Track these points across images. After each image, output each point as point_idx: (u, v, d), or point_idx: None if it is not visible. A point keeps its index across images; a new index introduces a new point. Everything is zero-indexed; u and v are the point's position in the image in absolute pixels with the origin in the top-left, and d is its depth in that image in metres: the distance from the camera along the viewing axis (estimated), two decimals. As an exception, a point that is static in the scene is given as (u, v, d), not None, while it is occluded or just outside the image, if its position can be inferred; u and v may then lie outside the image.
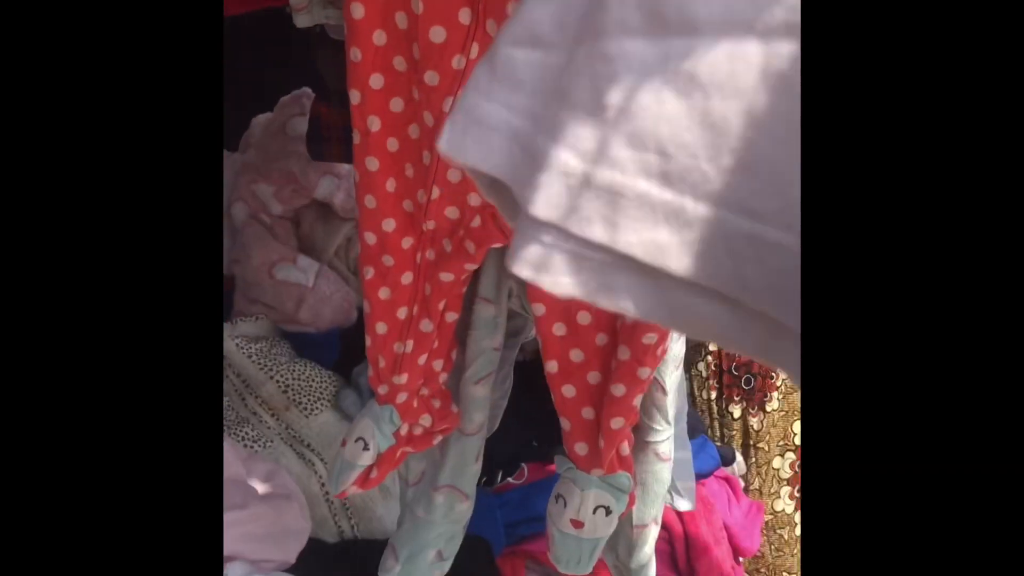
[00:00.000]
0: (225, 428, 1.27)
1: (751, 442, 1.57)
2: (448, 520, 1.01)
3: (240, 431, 1.29)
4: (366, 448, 0.92)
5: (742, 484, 1.55)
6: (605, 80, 0.42)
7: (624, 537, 0.97)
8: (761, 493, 1.60)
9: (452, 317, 0.90)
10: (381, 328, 0.89)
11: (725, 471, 1.50)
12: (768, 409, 1.56)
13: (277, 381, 1.31)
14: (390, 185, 0.84)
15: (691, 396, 1.55)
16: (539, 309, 0.84)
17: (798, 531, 1.62)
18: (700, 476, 1.41)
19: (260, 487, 1.16)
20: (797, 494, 1.61)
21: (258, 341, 1.35)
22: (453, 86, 0.78)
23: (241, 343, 1.32)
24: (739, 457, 1.56)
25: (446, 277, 0.87)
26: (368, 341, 0.91)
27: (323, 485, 1.26)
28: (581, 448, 0.88)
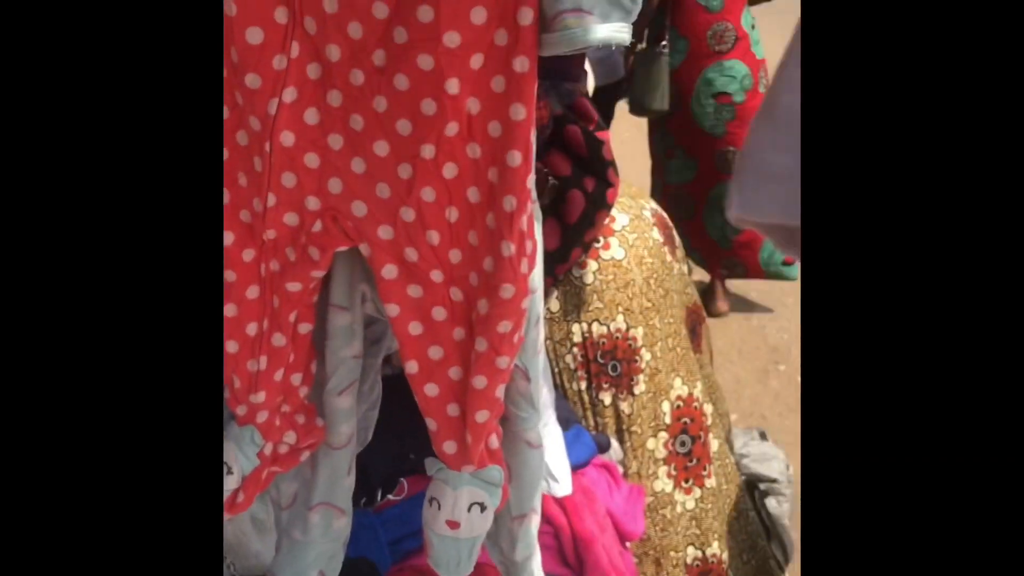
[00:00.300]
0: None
1: (624, 427, 1.59)
2: (327, 539, 0.98)
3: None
4: (230, 472, 0.89)
5: (621, 469, 1.56)
6: None
7: (505, 531, 0.96)
8: (640, 476, 1.62)
9: (306, 328, 0.88)
10: (232, 347, 0.86)
11: (602, 458, 1.51)
12: (636, 392, 1.59)
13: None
14: (226, 196, 0.81)
15: (562, 388, 1.56)
16: (393, 310, 0.83)
17: (679, 509, 1.65)
18: (578, 466, 1.42)
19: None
20: (674, 472, 1.64)
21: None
22: (276, 87, 0.76)
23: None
24: (614, 443, 1.58)
25: (293, 287, 0.84)
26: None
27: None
28: (450, 447, 0.87)
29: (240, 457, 0.88)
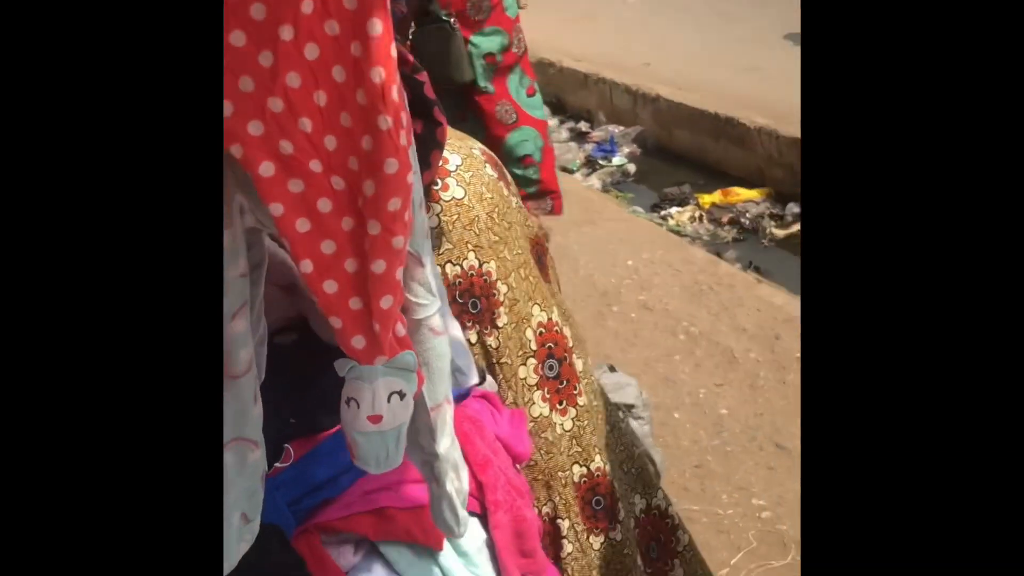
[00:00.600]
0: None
1: (494, 360, 1.62)
2: (243, 476, 0.94)
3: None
4: None
5: (500, 398, 1.59)
6: None
7: (423, 424, 0.96)
8: (516, 404, 1.65)
9: (187, 255, 0.84)
10: None
11: (480, 389, 1.53)
12: (499, 325, 1.62)
13: None
14: None
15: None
16: (277, 209, 0.80)
17: (559, 430, 1.69)
18: (460, 397, 1.44)
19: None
20: (548, 396, 1.69)
21: None
22: None
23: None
24: (488, 377, 1.60)
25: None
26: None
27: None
28: (358, 341, 0.86)
29: None
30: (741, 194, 4.76)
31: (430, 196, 1.46)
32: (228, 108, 0.78)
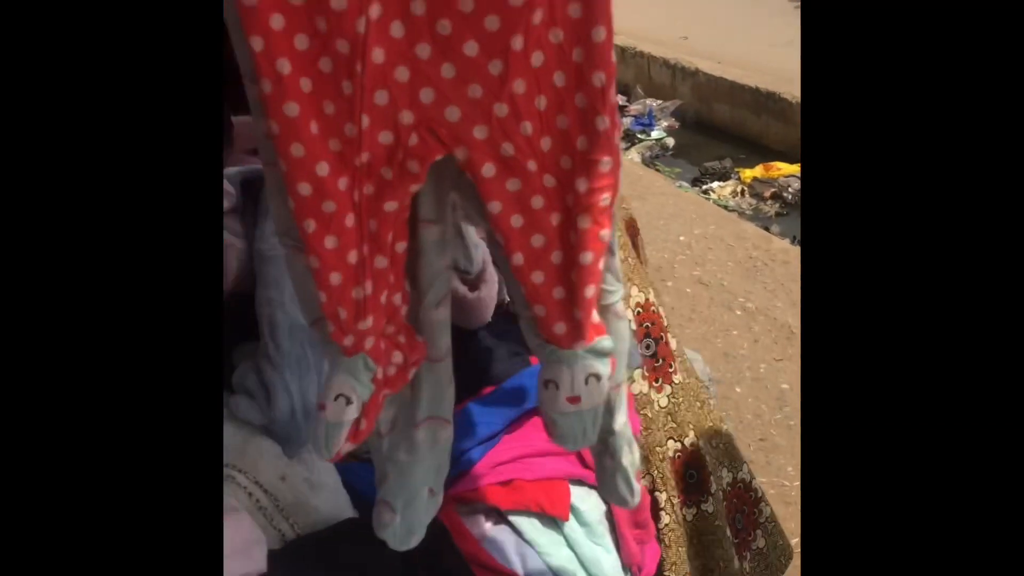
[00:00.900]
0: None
1: (601, 338, 1.68)
2: (433, 453, 1.01)
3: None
4: (349, 403, 0.89)
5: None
6: None
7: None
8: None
9: (402, 247, 0.90)
10: (336, 279, 0.87)
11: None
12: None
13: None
14: (313, 127, 0.82)
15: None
16: (495, 207, 0.86)
17: (656, 407, 1.74)
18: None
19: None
20: (646, 374, 1.74)
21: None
22: (362, 5, 0.78)
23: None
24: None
25: (391, 207, 0.86)
26: (323, 298, 0.87)
27: (251, 495, 1.19)
28: (560, 328, 0.91)
29: (356, 386, 0.89)
30: (783, 168, 4.78)
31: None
32: (455, 113, 0.83)
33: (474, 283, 1.39)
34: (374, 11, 0.78)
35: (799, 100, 4.83)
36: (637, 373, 1.77)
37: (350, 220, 0.85)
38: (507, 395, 1.44)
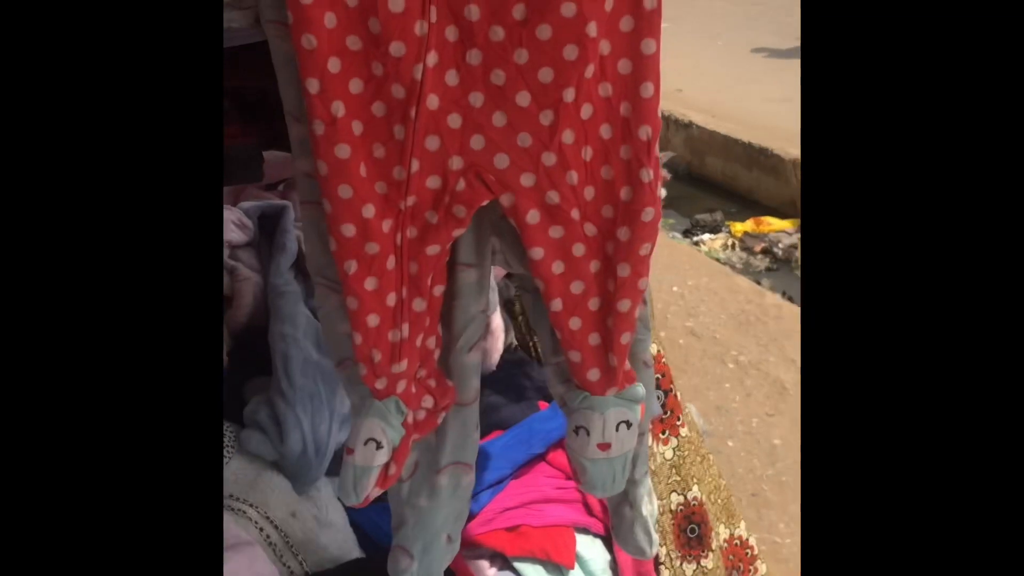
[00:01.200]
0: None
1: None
2: (455, 499, 1.00)
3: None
4: (379, 447, 0.89)
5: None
6: None
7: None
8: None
9: (440, 291, 0.90)
10: (373, 320, 0.87)
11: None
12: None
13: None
14: (362, 170, 0.83)
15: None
16: (537, 253, 0.87)
17: (659, 460, 1.74)
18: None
19: (220, 540, 1.07)
20: (652, 426, 1.74)
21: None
22: (420, 52, 0.79)
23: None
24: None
25: (433, 250, 0.87)
26: (358, 339, 0.87)
27: (261, 530, 1.18)
28: (593, 374, 0.92)
29: (388, 429, 0.89)
30: (773, 224, 4.83)
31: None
32: (504, 160, 0.84)
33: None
34: (431, 59, 0.80)
35: (791, 157, 4.91)
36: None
37: (391, 262, 0.86)
38: (515, 439, 1.44)
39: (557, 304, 0.89)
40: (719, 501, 1.89)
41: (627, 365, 0.94)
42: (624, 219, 0.87)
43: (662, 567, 1.67)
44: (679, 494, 1.71)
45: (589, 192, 0.86)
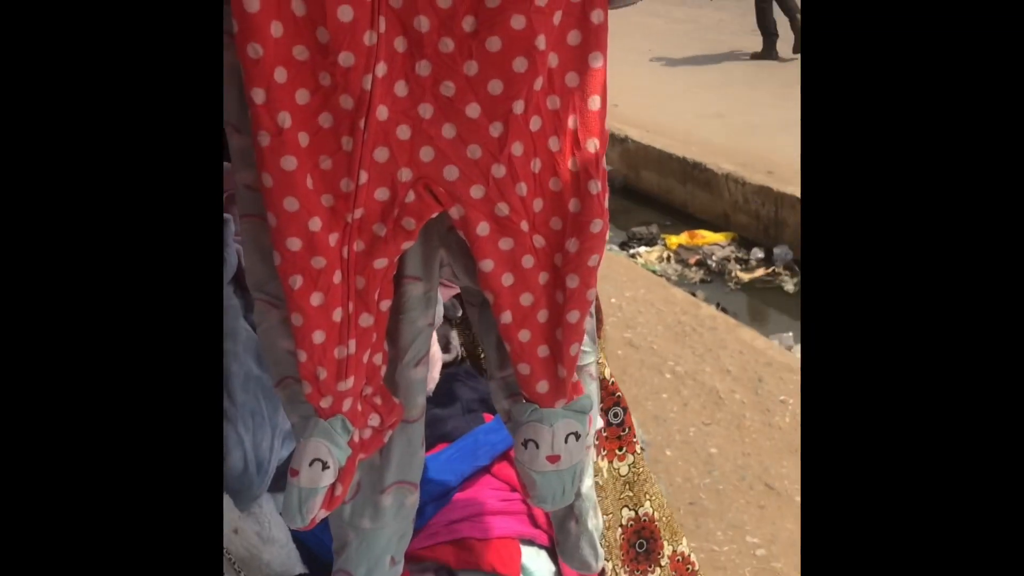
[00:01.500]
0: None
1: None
2: (398, 519, 0.99)
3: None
4: (325, 468, 0.87)
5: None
6: None
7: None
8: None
9: (386, 305, 0.89)
10: (319, 337, 0.85)
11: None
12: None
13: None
14: (309, 182, 0.81)
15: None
16: (487, 265, 0.87)
17: (609, 475, 1.73)
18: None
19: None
20: (609, 442, 1.74)
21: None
22: (369, 63, 0.79)
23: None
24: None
25: (380, 264, 0.86)
26: (303, 356, 0.85)
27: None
28: (542, 387, 0.92)
29: (334, 449, 0.87)
30: (707, 237, 4.92)
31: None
32: (453, 172, 0.84)
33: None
34: (380, 69, 0.79)
35: (724, 171, 5.00)
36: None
37: (337, 277, 0.85)
38: (460, 452, 1.43)
39: (507, 316, 0.89)
40: (663, 518, 1.91)
41: (575, 377, 0.94)
42: (573, 231, 0.87)
43: (607, 582, 1.67)
44: (630, 509, 1.71)
45: (538, 204, 0.86)
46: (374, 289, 0.86)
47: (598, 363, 1.04)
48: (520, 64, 0.80)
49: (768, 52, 7.26)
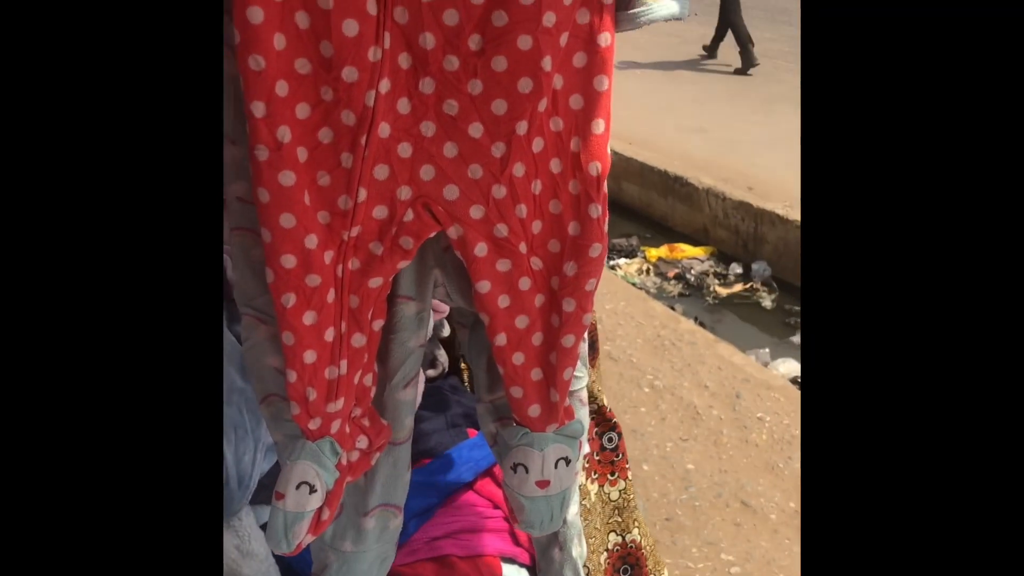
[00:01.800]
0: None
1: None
2: (381, 542, 0.97)
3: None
4: (313, 491, 0.85)
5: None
6: None
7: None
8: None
9: (379, 325, 0.87)
10: (310, 357, 0.83)
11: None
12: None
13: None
14: (306, 198, 0.80)
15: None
16: (484, 287, 0.85)
17: (596, 498, 1.72)
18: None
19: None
20: (601, 467, 1.73)
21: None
22: (373, 79, 0.77)
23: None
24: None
25: (375, 283, 0.84)
26: (292, 376, 0.83)
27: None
28: (534, 410, 0.90)
29: (322, 472, 0.84)
30: (687, 251, 4.93)
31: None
32: (454, 191, 0.82)
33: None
34: (384, 86, 0.78)
35: (705, 185, 5.02)
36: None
37: (331, 295, 0.83)
38: (444, 468, 1.41)
39: (501, 339, 0.88)
40: (648, 546, 1.90)
41: (567, 401, 0.93)
42: (571, 254, 0.86)
43: (592, 604, 1.66)
44: (618, 534, 1.70)
45: (537, 226, 0.85)
46: (367, 308, 0.85)
47: (589, 388, 1.03)
48: (525, 85, 0.79)
49: (747, 64, 7.34)
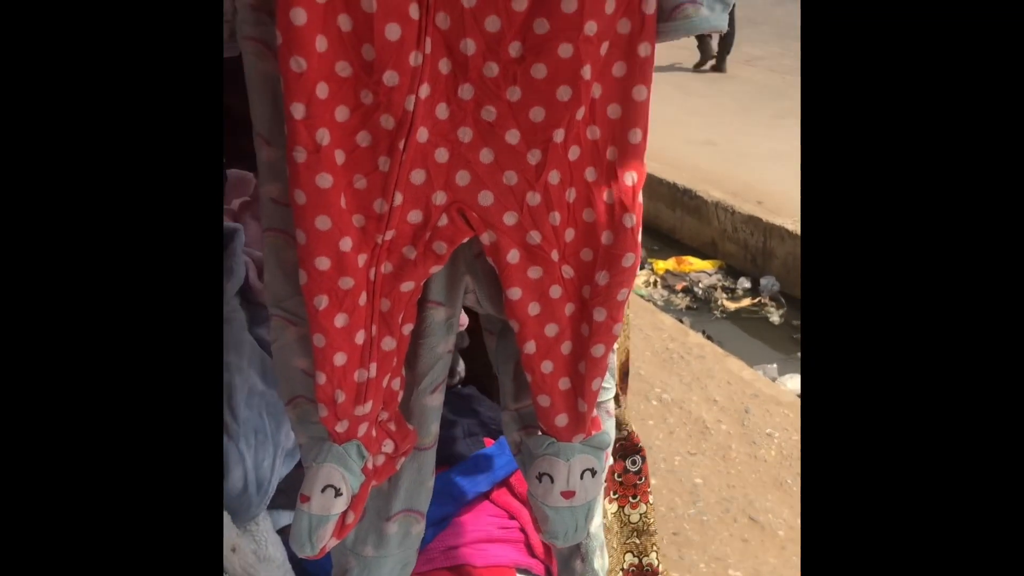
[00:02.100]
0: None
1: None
2: (403, 548, 0.96)
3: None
4: (338, 494, 0.84)
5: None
6: None
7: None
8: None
9: (409, 329, 0.87)
10: (340, 359, 0.83)
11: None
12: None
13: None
14: (342, 201, 0.80)
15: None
16: (515, 294, 0.85)
17: (615, 519, 1.71)
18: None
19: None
20: (623, 489, 1.72)
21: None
22: (413, 83, 0.77)
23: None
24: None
25: (407, 287, 0.84)
26: (321, 379, 0.83)
27: None
28: (561, 420, 0.90)
29: (348, 476, 0.84)
30: (694, 264, 4.93)
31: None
32: (488, 197, 0.82)
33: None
34: (423, 90, 0.77)
35: (713, 199, 5.02)
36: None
37: (363, 298, 0.82)
38: (460, 476, 1.41)
39: (531, 346, 0.87)
40: (663, 571, 1.89)
41: (594, 412, 0.92)
42: (604, 263, 0.85)
43: (607, 622, 1.65)
44: (635, 556, 1.69)
45: (569, 234, 0.85)
46: (398, 312, 0.84)
47: (618, 417, 1.02)
48: (564, 93, 0.79)
49: (719, 63, 7.50)
